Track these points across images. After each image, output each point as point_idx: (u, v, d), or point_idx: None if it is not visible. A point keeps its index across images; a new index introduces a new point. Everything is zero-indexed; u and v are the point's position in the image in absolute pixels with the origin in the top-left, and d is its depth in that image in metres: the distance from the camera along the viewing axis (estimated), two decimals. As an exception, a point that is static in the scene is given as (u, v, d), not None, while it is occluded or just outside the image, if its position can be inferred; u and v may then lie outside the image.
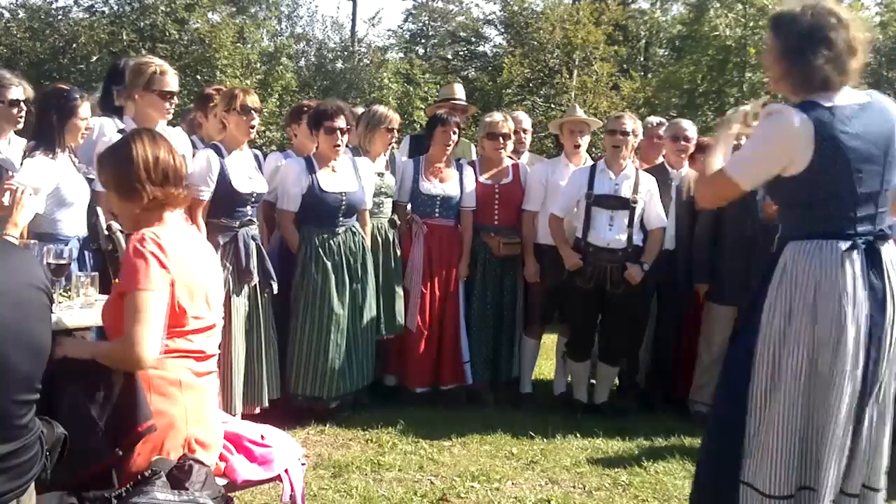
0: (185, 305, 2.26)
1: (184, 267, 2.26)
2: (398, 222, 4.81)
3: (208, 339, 2.38)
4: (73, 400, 2.04)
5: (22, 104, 3.78)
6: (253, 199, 4.05)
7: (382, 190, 4.71)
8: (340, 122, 4.27)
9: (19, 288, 1.74)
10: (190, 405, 2.26)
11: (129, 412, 2.09)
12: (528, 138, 5.59)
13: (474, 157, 5.46)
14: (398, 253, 4.74)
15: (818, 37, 2.40)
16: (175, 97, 3.72)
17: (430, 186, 4.81)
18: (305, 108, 4.65)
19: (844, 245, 2.45)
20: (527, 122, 5.60)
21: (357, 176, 4.44)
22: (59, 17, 15.53)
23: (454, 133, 4.82)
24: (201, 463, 2.20)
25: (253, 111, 3.98)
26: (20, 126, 3.83)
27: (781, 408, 2.50)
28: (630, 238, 4.57)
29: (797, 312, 2.50)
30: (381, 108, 4.88)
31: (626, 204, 4.57)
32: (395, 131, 4.82)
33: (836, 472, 2.47)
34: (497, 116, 5.06)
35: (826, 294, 2.45)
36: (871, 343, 2.44)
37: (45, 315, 1.82)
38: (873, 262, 2.46)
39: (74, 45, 14.37)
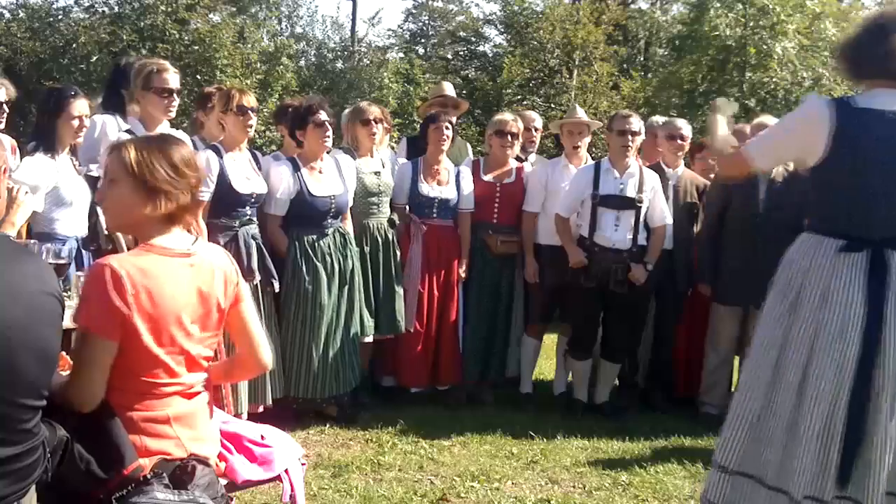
0: (157, 346, 2.06)
1: (159, 301, 2.04)
2: (397, 222, 4.80)
3: (199, 367, 2.23)
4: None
5: (4, 105, 3.77)
6: (252, 200, 4.05)
7: (380, 189, 4.69)
8: (325, 115, 4.25)
9: (33, 293, 1.73)
10: (184, 434, 2.15)
11: (113, 456, 1.98)
12: (537, 137, 5.60)
13: (471, 157, 5.45)
14: (397, 253, 4.73)
15: (877, 24, 2.46)
16: (175, 95, 3.71)
17: (427, 189, 4.79)
18: (290, 108, 4.63)
19: (842, 244, 2.44)
20: (538, 121, 5.60)
21: (342, 177, 4.41)
22: (59, 17, 15.53)
23: (447, 129, 4.82)
24: (205, 464, 2.19)
25: (250, 111, 3.97)
26: (2, 126, 3.82)
27: (745, 384, 2.54)
28: (635, 238, 4.57)
29: (785, 303, 2.51)
30: (359, 104, 4.88)
31: (632, 204, 4.56)
32: (377, 122, 4.67)
33: (809, 474, 2.44)
34: (507, 115, 5.10)
35: (812, 290, 2.45)
36: (867, 348, 2.39)
37: (56, 322, 1.81)
38: (876, 268, 2.42)
39: (74, 45, 14.36)
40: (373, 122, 4.65)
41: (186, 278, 2.13)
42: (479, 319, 4.90)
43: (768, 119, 4.79)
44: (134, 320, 2.00)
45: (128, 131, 3.65)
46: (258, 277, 4.01)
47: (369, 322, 4.55)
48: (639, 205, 4.56)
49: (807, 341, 2.44)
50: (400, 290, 4.70)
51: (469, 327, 4.90)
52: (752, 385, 2.54)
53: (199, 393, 2.27)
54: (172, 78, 3.69)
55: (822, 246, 2.47)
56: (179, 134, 3.91)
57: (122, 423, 2.03)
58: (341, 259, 4.36)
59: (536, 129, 5.52)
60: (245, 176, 4.03)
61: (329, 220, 4.34)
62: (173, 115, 3.79)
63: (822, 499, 2.44)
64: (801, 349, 2.46)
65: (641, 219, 4.60)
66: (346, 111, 5.02)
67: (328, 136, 4.28)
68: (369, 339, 4.59)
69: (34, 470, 1.77)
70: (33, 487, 1.80)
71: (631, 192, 4.58)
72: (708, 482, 2.67)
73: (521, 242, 4.94)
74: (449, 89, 5.79)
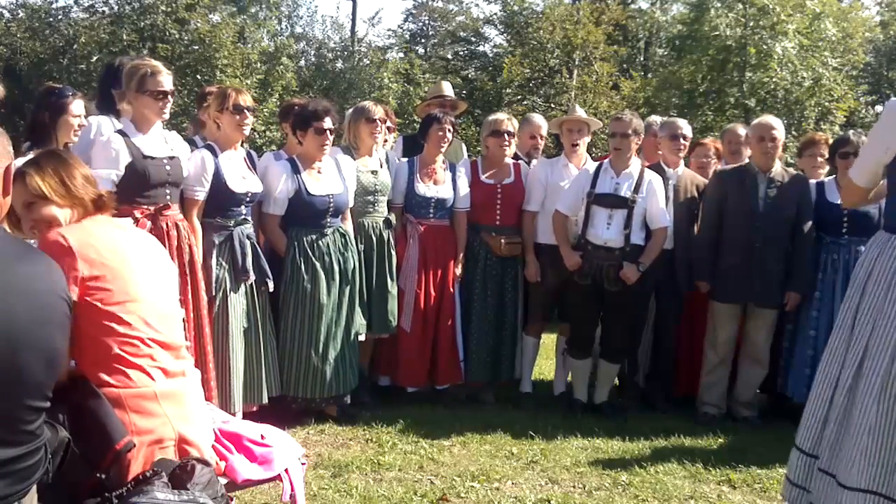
0: (116, 306, 2.14)
1: (107, 252, 2.16)
2: (394, 222, 4.79)
3: (170, 330, 2.27)
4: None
5: None
6: (247, 199, 4.06)
7: (377, 188, 4.68)
8: (329, 123, 4.25)
9: (41, 294, 1.73)
10: (172, 412, 2.18)
11: (102, 434, 2.01)
12: (542, 144, 5.51)
13: (465, 157, 5.44)
14: (392, 252, 4.72)
15: None
16: (169, 97, 3.70)
17: (424, 189, 4.79)
18: (295, 106, 4.63)
19: None
20: (544, 128, 5.45)
21: (341, 176, 4.41)
22: (59, 17, 15.55)
23: (449, 131, 4.82)
24: (205, 463, 2.19)
25: (246, 110, 3.98)
26: None
27: (821, 372, 2.63)
28: (628, 237, 4.58)
29: (857, 292, 2.58)
30: (362, 103, 4.87)
31: (625, 203, 4.57)
32: (381, 122, 4.67)
33: (860, 464, 2.46)
34: (501, 115, 5.09)
35: (874, 283, 2.50)
36: None
37: (64, 323, 1.81)
38: None
39: (74, 45, 14.37)
40: (377, 122, 4.65)
41: (126, 233, 2.35)
42: (486, 321, 4.89)
43: (768, 119, 4.79)
44: (85, 274, 2.10)
45: (119, 132, 3.64)
46: (252, 277, 4.02)
47: (362, 321, 4.55)
48: (632, 204, 4.57)
49: (868, 328, 2.50)
50: (394, 290, 4.69)
51: (475, 329, 4.89)
52: (827, 367, 2.65)
53: (186, 371, 2.31)
54: (166, 80, 3.68)
55: (891, 242, 2.53)
56: (172, 134, 3.90)
57: (110, 401, 2.08)
58: (341, 259, 4.36)
59: (542, 137, 5.48)
60: (241, 175, 4.03)
61: (328, 220, 4.34)
62: (167, 116, 3.78)
63: (877, 491, 2.47)
64: (863, 336, 2.52)
65: (636, 218, 4.60)
66: (350, 110, 5.03)
67: (327, 145, 4.28)
68: (362, 337, 4.58)
69: (35, 471, 1.77)
70: (34, 487, 1.80)
71: (626, 192, 4.59)
72: (789, 462, 2.79)
73: (523, 242, 4.94)
74: (447, 89, 5.77)
